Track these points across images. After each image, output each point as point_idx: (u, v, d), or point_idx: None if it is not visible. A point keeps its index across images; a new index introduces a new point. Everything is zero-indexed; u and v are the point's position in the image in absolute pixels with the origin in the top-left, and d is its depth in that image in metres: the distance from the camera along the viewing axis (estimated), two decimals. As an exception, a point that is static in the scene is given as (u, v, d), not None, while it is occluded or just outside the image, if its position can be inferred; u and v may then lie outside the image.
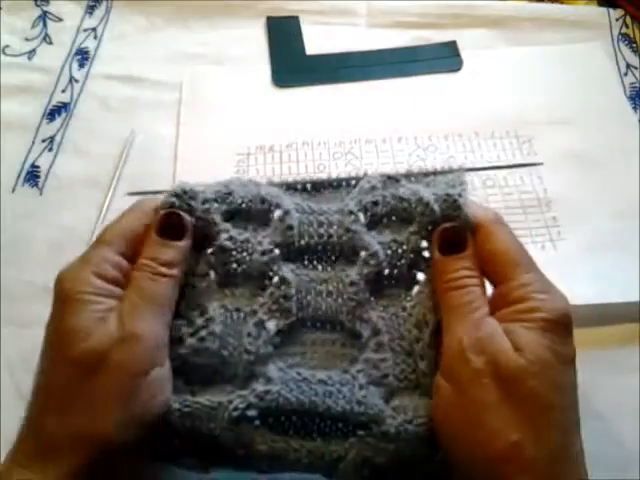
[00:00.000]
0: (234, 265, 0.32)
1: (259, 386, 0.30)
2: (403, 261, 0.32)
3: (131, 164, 0.49)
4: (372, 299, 0.32)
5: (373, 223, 0.33)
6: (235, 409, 0.29)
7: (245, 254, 0.32)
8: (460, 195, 0.31)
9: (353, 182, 0.34)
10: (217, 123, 0.52)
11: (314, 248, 0.33)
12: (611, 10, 0.59)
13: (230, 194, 0.33)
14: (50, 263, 0.44)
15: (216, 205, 0.33)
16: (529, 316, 0.28)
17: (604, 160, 0.49)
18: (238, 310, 0.32)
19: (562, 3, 0.60)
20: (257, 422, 0.29)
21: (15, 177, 0.48)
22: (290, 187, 0.35)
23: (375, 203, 0.33)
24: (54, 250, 0.45)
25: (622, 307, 0.41)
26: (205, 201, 0.32)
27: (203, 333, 0.31)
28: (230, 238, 0.32)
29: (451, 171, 0.34)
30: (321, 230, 0.33)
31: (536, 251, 0.44)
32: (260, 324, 0.31)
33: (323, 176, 0.39)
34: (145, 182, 0.48)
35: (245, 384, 0.30)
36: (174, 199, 0.32)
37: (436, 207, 0.31)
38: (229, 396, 0.30)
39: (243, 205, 0.33)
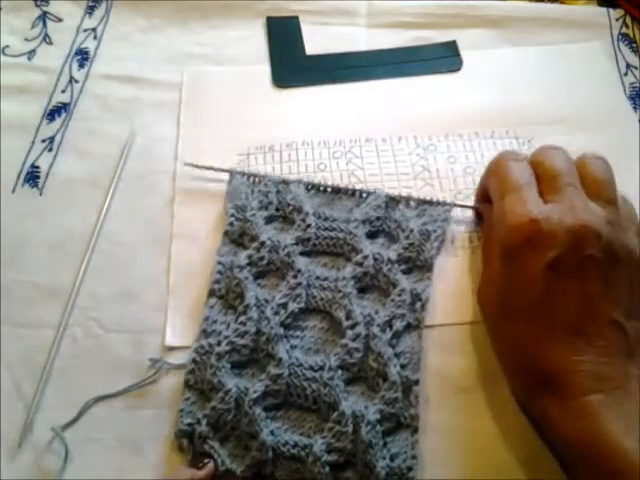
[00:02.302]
0: (266, 260, 0.41)
1: (271, 369, 0.36)
2: (383, 269, 0.40)
3: (131, 164, 0.49)
4: (357, 294, 0.40)
5: (371, 234, 0.43)
6: (255, 392, 0.35)
7: (274, 251, 0.41)
8: (435, 230, 0.42)
9: (365, 195, 0.44)
10: (217, 123, 0.51)
11: (324, 245, 0.42)
12: (611, 10, 0.59)
13: (271, 203, 0.44)
14: (50, 263, 0.44)
15: (259, 212, 0.43)
16: None
17: (604, 160, 0.49)
18: (265, 300, 0.39)
19: (562, 3, 0.60)
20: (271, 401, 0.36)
21: (15, 177, 0.48)
22: (314, 187, 0.45)
23: (377, 218, 0.43)
24: (54, 250, 0.44)
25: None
26: (252, 209, 0.43)
27: (243, 318, 0.38)
28: (269, 238, 0.42)
29: (443, 204, 0.43)
30: (331, 233, 0.42)
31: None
32: (278, 307, 0.39)
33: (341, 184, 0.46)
34: (145, 182, 0.48)
35: (264, 362, 0.37)
36: (233, 210, 0.43)
37: (417, 235, 0.42)
38: (252, 381, 0.36)
39: (279, 211, 0.44)
